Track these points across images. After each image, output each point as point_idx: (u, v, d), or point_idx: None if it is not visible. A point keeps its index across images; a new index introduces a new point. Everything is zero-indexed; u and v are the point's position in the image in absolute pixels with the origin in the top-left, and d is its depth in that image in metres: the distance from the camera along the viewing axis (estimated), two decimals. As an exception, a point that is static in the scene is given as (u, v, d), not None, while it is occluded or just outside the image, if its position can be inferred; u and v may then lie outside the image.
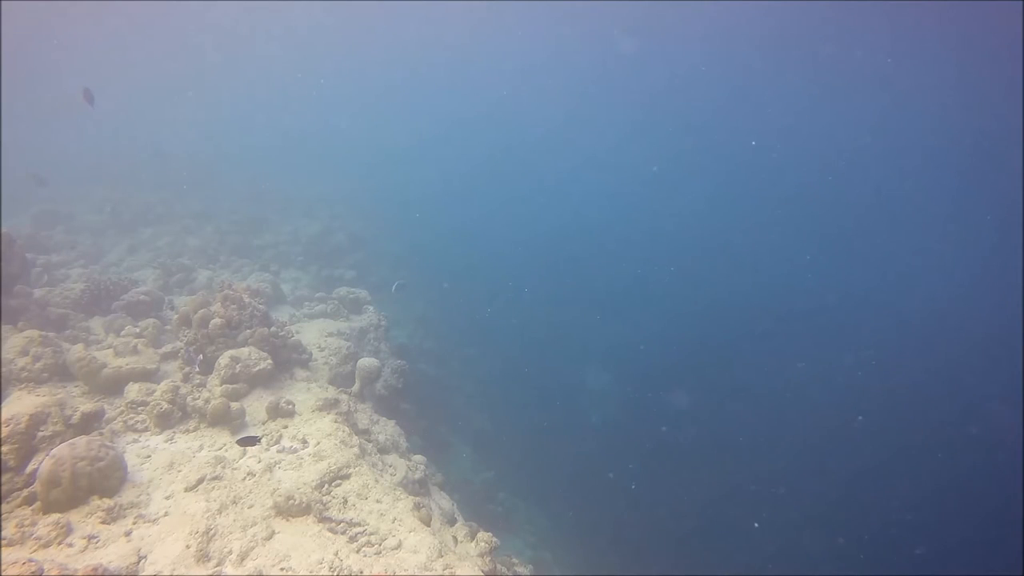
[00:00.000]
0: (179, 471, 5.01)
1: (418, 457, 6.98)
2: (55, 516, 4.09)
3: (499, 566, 5.52)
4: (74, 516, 4.21)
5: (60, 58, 32.31)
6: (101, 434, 5.28)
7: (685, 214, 32.95)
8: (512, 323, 18.11)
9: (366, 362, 7.82)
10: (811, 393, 16.97)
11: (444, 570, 4.42)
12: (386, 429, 7.24)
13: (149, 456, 5.20)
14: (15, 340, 6.13)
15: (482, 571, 4.81)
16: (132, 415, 5.73)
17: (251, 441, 5.02)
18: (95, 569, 3.61)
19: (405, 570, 4.33)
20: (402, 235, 20.82)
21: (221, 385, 6.38)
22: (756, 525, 11.47)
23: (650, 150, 41.07)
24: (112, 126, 28.14)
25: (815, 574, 10.73)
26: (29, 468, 4.46)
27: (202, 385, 6.51)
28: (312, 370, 7.72)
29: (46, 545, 3.90)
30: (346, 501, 5.03)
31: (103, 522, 4.21)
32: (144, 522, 4.34)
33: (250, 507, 4.69)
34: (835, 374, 18.17)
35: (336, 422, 6.17)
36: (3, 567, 3.43)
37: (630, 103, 43.06)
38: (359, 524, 4.74)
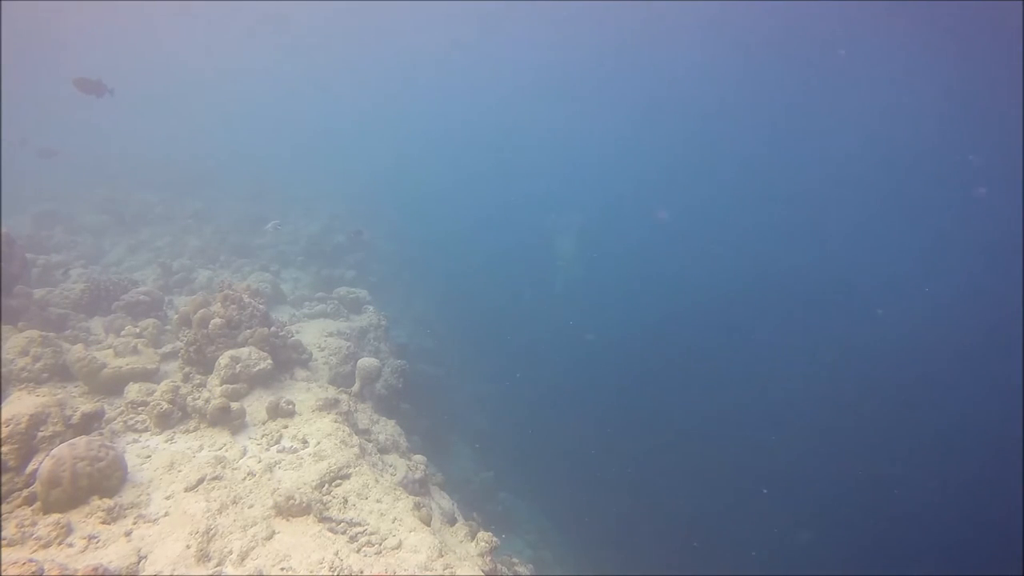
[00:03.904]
0: (179, 471, 5.00)
1: (418, 457, 6.97)
2: (55, 516, 4.09)
3: (499, 566, 5.52)
4: (74, 516, 4.20)
5: (64, 57, 32.34)
6: (101, 434, 5.28)
7: (685, 210, 33.00)
8: (512, 320, 18.13)
9: (366, 362, 7.82)
10: (809, 390, 16.98)
11: (444, 570, 4.42)
12: (386, 429, 7.24)
13: (149, 456, 5.20)
14: (15, 340, 6.13)
15: (482, 571, 4.81)
16: (132, 415, 5.72)
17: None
18: (95, 569, 3.61)
19: (405, 570, 4.33)
20: (402, 234, 20.85)
21: (221, 385, 6.38)
22: (752, 521, 11.48)
23: (649, 150, 41.14)
24: (112, 126, 28.14)
25: (814, 573, 10.73)
26: (29, 468, 4.46)
27: (202, 385, 6.51)
28: (312, 370, 7.72)
29: (46, 545, 3.90)
30: (346, 501, 5.03)
31: (103, 522, 4.21)
32: (144, 522, 4.34)
33: (250, 507, 4.69)
34: (833, 372, 18.18)
35: (336, 422, 6.17)
36: (3, 567, 3.43)
37: (631, 104, 43.07)
38: (359, 524, 4.74)
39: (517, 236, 26.09)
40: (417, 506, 5.16)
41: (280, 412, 6.13)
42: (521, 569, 6.18)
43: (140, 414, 5.76)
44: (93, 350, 6.53)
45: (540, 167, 40.23)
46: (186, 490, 4.77)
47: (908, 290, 25.63)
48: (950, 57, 22.50)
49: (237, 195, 19.78)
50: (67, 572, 3.53)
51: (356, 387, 7.74)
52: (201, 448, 5.45)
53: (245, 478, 5.06)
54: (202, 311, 7.02)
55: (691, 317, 21.02)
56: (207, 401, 5.86)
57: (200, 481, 4.88)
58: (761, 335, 20.28)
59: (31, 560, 3.48)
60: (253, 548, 4.27)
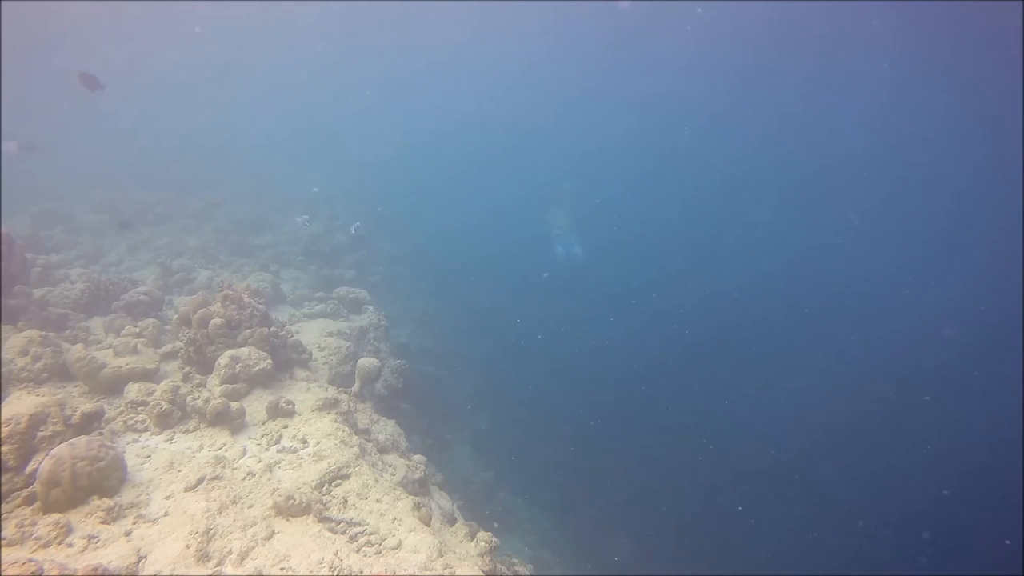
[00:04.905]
0: (179, 471, 5.00)
1: (418, 457, 6.97)
2: (55, 516, 4.09)
3: (499, 566, 5.52)
4: (74, 516, 4.20)
5: (66, 55, 32.30)
6: (101, 434, 5.28)
7: (685, 210, 33.02)
8: (511, 320, 18.12)
9: (366, 362, 7.82)
10: (808, 388, 16.96)
11: (444, 570, 4.42)
12: (386, 429, 7.24)
13: (149, 456, 5.20)
14: (15, 340, 6.13)
15: (482, 571, 4.81)
16: (132, 415, 5.72)
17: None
18: (95, 569, 3.61)
19: (405, 570, 4.33)
20: (402, 234, 20.85)
21: (221, 385, 6.38)
22: (752, 521, 11.49)
23: (647, 149, 41.16)
24: (113, 124, 28.14)
25: (813, 573, 10.73)
26: (29, 468, 4.46)
27: (202, 385, 6.51)
28: (312, 370, 7.72)
29: (46, 545, 3.90)
30: (346, 501, 5.03)
31: (103, 522, 4.21)
32: (144, 522, 4.34)
33: (250, 507, 4.69)
34: (833, 370, 18.18)
35: (336, 422, 6.17)
36: (3, 567, 3.43)
37: (628, 101, 43.10)
38: (359, 524, 4.74)
39: (516, 233, 26.06)
40: (417, 506, 5.16)
41: (280, 412, 6.13)
42: (521, 569, 6.19)
43: (140, 414, 5.76)
44: (93, 350, 6.53)
45: (539, 166, 40.22)
46: (186, 490, 4.77)
47: (907, 288, 25.63)
48: (950, 57, 22.50)
49: (237, 195, 19.77)
50: (67, 572, 3.53)
51: (356, 387, 7.75)
52: (201, 448, 5.45)
53: (245, 478, 5.06)
54: (202, 311, 7.02)
55: (689, 315, 21.01)
56: (207, 401, 5.86)
57: (200, 481, 4.88)
58: (759, 332, 20.28)
59: (31, 560, 3.48)
60: (253, 548, 4.27)
